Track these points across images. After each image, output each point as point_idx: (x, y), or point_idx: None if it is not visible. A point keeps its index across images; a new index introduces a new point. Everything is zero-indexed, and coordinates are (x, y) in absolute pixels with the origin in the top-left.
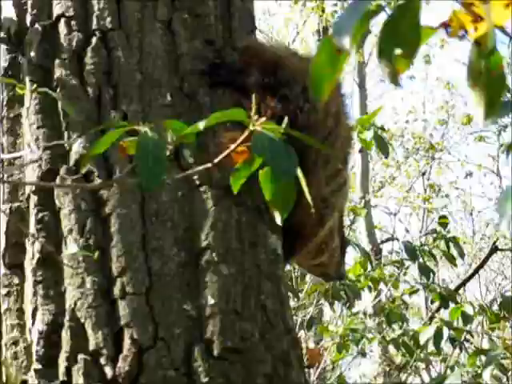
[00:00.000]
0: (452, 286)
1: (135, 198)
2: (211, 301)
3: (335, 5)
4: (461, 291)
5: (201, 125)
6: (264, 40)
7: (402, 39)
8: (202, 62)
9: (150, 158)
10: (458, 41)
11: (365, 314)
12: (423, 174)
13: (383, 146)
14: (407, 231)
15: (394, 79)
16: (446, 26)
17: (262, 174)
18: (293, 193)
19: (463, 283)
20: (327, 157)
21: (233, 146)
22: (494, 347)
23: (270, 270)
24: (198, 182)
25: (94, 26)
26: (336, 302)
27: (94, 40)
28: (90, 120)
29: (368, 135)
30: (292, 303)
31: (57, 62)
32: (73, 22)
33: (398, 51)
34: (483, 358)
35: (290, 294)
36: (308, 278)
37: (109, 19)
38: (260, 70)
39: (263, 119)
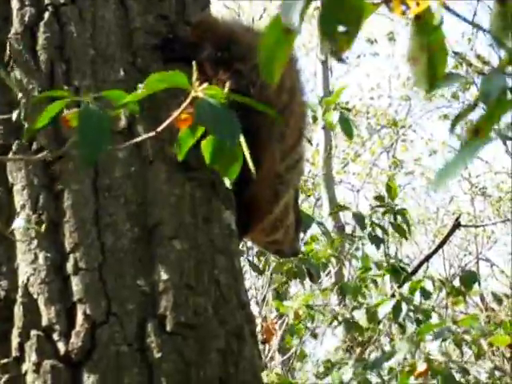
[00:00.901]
0: (416, 262)
1: (88, 174)
2: (164, 276)
3: None
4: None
5: (140, 89)
6: (218, 15)
7: (345, 16)
8: (155, 37)
9: (91, 129)
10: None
11: (324, 289)
12: (387, 151)
13: (348, 128)
14: (372, 207)
15: (337, 56)
16: (388, 1)
17: (204, 141)
18: (239, 157)
19: (426, 259)
20: (281, 132)
21: (175, 114)
22: (444, 321)
23: (224, 244)
24: (150, 158)
25: (47, 0)
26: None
27: (46, 15)
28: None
29: (334, 117)
30: (259, 281)
31: (9, 37)
32: None
33: (340, 28)
34: None
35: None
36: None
37: None
38: (213, 45)
39: (205, 85)
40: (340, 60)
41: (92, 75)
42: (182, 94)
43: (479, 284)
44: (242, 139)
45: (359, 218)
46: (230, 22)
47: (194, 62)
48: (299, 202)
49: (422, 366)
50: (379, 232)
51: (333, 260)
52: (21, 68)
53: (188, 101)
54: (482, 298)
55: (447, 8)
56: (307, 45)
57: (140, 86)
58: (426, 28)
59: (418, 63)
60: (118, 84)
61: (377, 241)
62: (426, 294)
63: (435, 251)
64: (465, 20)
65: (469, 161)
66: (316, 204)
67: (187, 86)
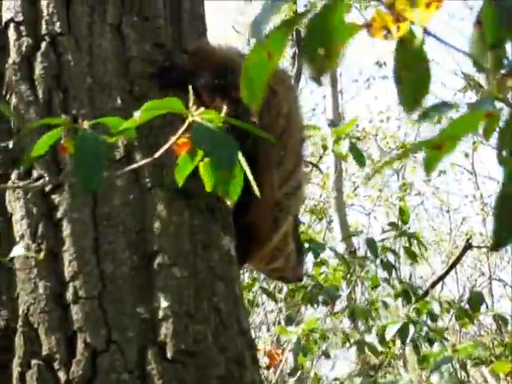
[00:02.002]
0: (429, 283)
1: (87, 202)
2: (164, 303)
3: (306, 6)
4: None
5: (136, 116)
6: (215, 43)
7: (327, 38)
8: (152, 65)
9: (88, 156)
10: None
11: (335, 313)
12: (397, 173)
13: (359, 156)
14: (384, 231)
15: (318, 79)
16: (369, 25)
17: (202, 165)
18: (240, 179)
19: (437, 281)
20: (280, 157)
21: (173, 139)
22: (444, 350)
23: (224, 271)
24: (149, 185)
25: (44, 30)
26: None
27: (43, 45)
28: (41, 124)
29: (344, 147)
30: (272, 306)
31: (7, 67)
32: (22, 27)
33: (322, 51)
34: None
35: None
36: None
37: (58, 24)
38: (210, 73)
39: (202, 109)
40: (319, 83)
41: (89, 104)
42: (179, 121)
43: (487, 306)
44: (242, 159)
45: (371, 244)
46: (226, 49)
47: (190, 87)
48: (299, 228)
49: None
50: (391, 257)
51: (343, 283)
52: (19, 97)
53: (185, 125)
54: (496, 320)
55: (427, 32)
56: None
57: (136, 113)
58: (408, 50)
59: (402, 85)
60: (115, 112)
61: (388, 266)
62: (432, 316)
63: (446, 273)
64: (445, 43)
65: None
66: (328, 227)
67: (184, 111)
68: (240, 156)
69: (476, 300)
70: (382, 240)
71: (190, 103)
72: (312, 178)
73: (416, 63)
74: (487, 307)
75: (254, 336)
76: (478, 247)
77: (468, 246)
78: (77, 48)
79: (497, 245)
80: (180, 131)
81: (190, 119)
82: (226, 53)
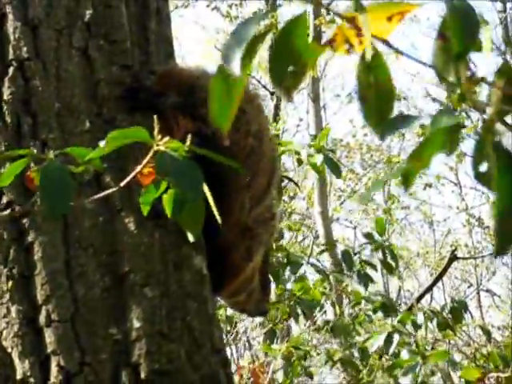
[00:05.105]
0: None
1: (57, 225)
2: (137, 324)
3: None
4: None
5: (102, 145)
6: (184, 65)
7: (292, 56)
8: (120, 87)
9: (53, 187)
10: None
11: (317, 329)
12: (383, 185)
13: (335, 168)
14: (361, 246)
15: (286, 96)
16: (331, 41)
17: (166, 195)
18: (202, 211)
19: (424, 293)
20: (249, 179)
21: (138, 168)
22: (412, 357)
23: (196, 290)
24: (119, 207)
25: (11, 55)
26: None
27: (10, 70)
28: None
29: (318, 159)
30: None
31: None
32: None
33: (289, 68)
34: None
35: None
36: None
37: (25, 49)
38: (177, 92)
39: (167, 139)
40: (289, 100)
41: (58, 128)
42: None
43: (471, 315)
44: (206, 190)
45: (347, 257)
46: (194, 69)
47: (155, 116)
48: (269, 260)
49: None
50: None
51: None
52: None
53: (150, 155)
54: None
55: (389, 45)
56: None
57: (102, 143)
58: (371, 66)
59: (366, 101)
60: (84, 135)
61: (365, 279)
62: (416, 327)
63: (432, 285)
64: (408, 56)
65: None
66: (314, 242)
67: (149, 140)
68: (204, 185)
69: (458, 310)
70: (359, 252)
71: (155, 132)
72: (295, 192)
73: (379, 78)
74: (472, 317)
75: (236, 353)
76: (463, 258)
77: (453, 258)
78: (44, 72)
79: (499, 252)
80: (144, 161)
81: (154, 148)
82: (193, 72)
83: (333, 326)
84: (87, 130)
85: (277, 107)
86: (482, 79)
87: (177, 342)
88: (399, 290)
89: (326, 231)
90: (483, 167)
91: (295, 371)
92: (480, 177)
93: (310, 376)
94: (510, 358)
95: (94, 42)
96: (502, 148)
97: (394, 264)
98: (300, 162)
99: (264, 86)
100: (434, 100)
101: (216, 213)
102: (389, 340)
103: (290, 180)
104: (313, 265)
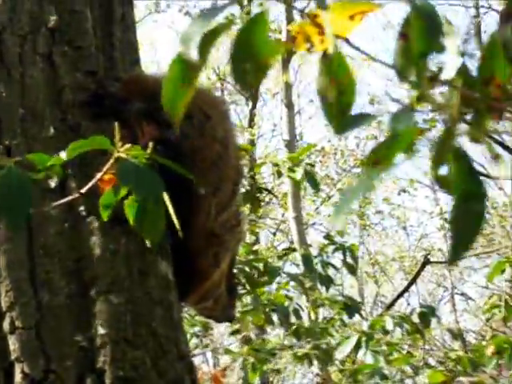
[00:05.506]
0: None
1: (22, 233)
2: (101, 330)
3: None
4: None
5: (62, 155)
6: (149, 72)
7: (253, 54)
8: (85, 93)
9: (12, 195)
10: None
11: (288, 334)
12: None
13: (314, 183)
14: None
15: (248, 93)
16: (293, 38)
17: (127, 202)
18: (162, 219)
19: (397, 297)
20: (216, 184)
21: (99, 175)
22: (376, 362)
23: (161, 296)
24: (84, 213)
25: None
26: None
27: None
28: None
29: (298, 173)
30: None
31: None
32: None
33: (249, 66)
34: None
35: None
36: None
37: None
38: (142, 98)
39: (128, 146)
40: (251, 97)
41: (22, 133)
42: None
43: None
44: (166, 198)
45: (306, 259)
46: (160, 75)
47: (116, 123)
48: (235, 267)
49: None
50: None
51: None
52: None
53: (111, 161)
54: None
55: (350, 44)
56: (272, 89)
57: (62, 153)
58: (332, 65)
59: (326, 100)
60: (48, 141)
61: (326, 281)
62: (385, 332)
63: (405, 290)
64: (371, 57)
65: (366, 192)
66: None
67: (110, 148)
68: (164, 193)
69: (427, 314)
70: (319, 255)
71: (116, 139)
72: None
73: (341, 79)
74: (439, 321)
75: (212, 359)
76: (436, 262)
77: (426, 262)
78: (8, 78)
79: (454, 258)
80: (105, 168)
81: (115, 155)
82: (159, 78)
83: (296, 329)
84: (51, 136)
85: (252, 111)
86: (438, 78)
87: (142, 348)
88: (376, 295)
89: (300, 236)
90: (443, 170)
91: (260, 371)
92: (440, 180)
93: (278, 372)
94: (479, 362)
95: (59, 47)
96: (462, 151)
97: (354, 264)
98: (279, 173)
99: (239, 91)
100: (394, 100)
101: (175, 220)
102: (357, 345)
103: (269, 192)
104: (289, 274)
